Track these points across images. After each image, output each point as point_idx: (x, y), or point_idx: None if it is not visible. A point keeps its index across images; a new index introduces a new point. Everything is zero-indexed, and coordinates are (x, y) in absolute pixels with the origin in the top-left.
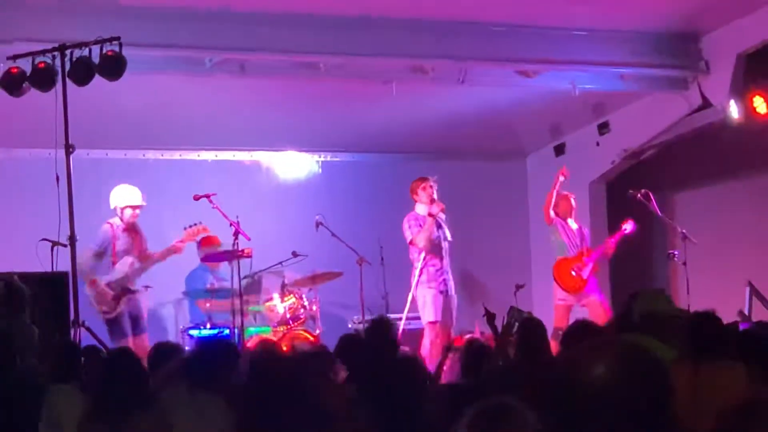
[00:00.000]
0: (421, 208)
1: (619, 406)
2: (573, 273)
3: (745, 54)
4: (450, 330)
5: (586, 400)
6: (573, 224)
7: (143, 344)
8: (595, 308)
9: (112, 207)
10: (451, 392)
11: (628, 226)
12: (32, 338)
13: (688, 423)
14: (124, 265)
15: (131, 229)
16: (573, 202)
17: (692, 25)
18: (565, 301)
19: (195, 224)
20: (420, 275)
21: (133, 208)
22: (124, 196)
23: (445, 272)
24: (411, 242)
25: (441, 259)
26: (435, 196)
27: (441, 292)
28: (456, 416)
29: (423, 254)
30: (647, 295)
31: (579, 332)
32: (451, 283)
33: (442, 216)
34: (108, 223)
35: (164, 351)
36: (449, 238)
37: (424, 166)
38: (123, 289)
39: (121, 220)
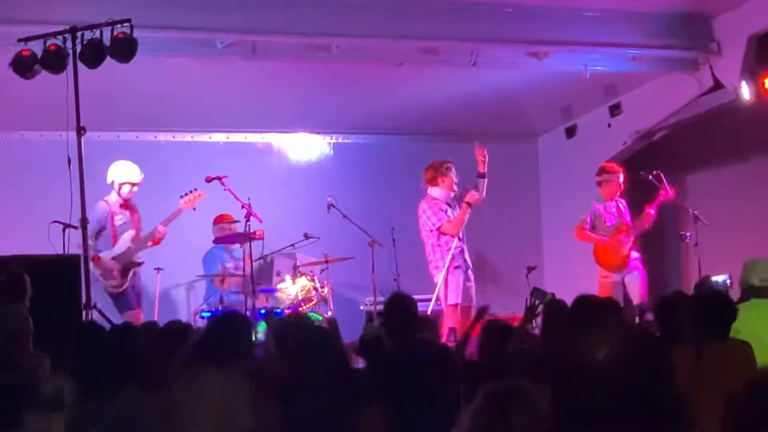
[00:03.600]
0: (438, 192)
1: (622, 386)
2: (614, 252)
3: (756, 35)
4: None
5: (589, 381)
6: (611, 207)
7: (139, 319)
8: (633, 286)
9: (109, 182)
10: (470, 371)
11: (668, 194)
12: (26, 328)
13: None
14: (126, 239)
15: (128, 205)
16: (621, 178)
17: (704, 6)
18: (608, 277)
19: (191, 191)
20: (452, 258)
21: (132, 184)
22: (124, 171)
23: (466, 252)
24: (439, 229)
25: (462, 239)
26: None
27: (465, 271)
28: (472, 395)
29: (454, 239)
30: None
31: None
32: (470, 266)
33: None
34: (103, 200)
35: (176, 330)
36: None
37: (435, 147)
38: (129, 263)
39: (119, 195)
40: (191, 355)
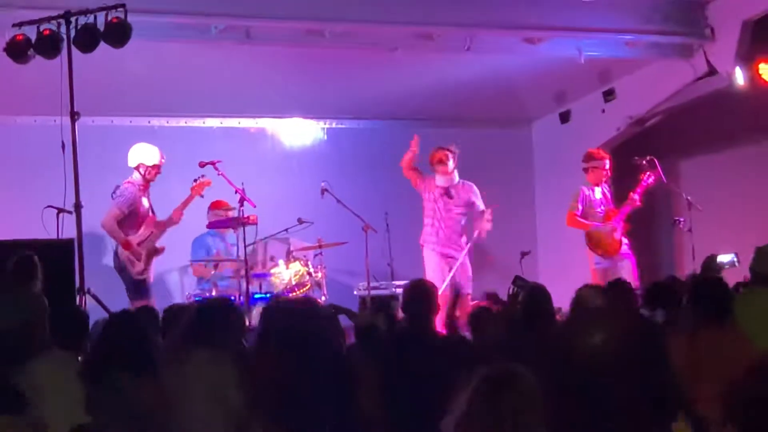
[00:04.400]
0: (441, 180)
1: (617, 371)
2: (606, 238)
3: (750, 21)
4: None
5: (585, 365)
6: (597, 193)
7: None
8: (625, 273)
9: (134, 164)
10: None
11: (650, 178)
12: (42, 309)
13: (689, 387)
14: (150, 224)
15: (147, 189)
16: (607, 164)
17: None
18: (601, 264)
19: (199, 177)
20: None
21: (158, 167)
22: (152, 155)
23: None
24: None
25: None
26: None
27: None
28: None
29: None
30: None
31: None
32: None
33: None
34: (130, 182)
35: (176, 312)
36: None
37: (429, 132)
38: (152, 249)
39: (144, 178)
40: (181, 338)
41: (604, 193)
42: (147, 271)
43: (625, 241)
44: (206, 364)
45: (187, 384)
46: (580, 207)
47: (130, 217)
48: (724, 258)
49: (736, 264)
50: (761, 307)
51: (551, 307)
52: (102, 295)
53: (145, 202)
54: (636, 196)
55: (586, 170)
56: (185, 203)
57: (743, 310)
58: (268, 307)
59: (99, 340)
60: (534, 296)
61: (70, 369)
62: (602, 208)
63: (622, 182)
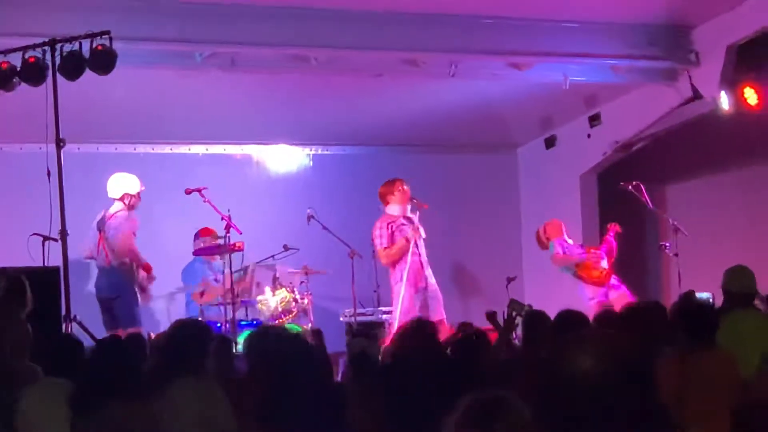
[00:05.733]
0: (395, 209)
1: (605, 397)
2: (594, 270)
3: (735, 45)
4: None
5: (573, 392)
6: (569, 239)
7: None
8: (620, 301)
9: (118, 195)
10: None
11: (613, 230)
12: (25, 336)
13: (677, 411)
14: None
15: None
16: (563, 227)
17: (683, 17)
18: (595, 298)
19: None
20: (409, 275)
21: (139, 195)
22: (135, 183)
23: (423, 269)
24: (379, 254)
25: (418, 257)
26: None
27: (418, 290)
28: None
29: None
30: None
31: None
32: (431, 280)
33: (415, 217)
34: (127, 210)
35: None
36: (423, 236)
37: (415, 158)
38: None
39: (131, 207)
40: (157, 364)
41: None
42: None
43: (614, 280)
44: (190, 388)
45: (175, 410)
46: (560, 250)
47: None
48: (702, 295)
49: (711, 304)
50: (742, 329)
51: (549, 331)
52: (88, 322)
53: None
54: (610, 239)
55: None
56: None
57: (725, 334)
58: (253, 334)
59: (87, 367)
60: (532, 320)
61: (59, 396)
62: (581, 250)
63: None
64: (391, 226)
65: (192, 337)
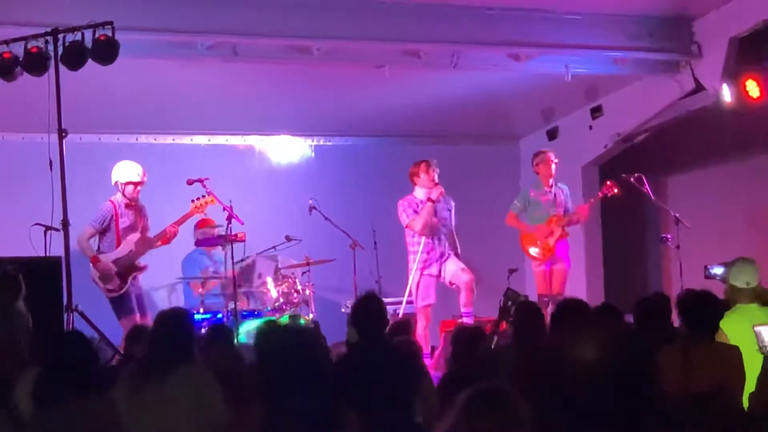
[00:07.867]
0: (420, 192)
1: (605, 388)
2: (538, 243)
3: (737, 37)
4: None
5: (574, 382)
6: (549, 193)
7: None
8: (558, 276)
9: (113, 183)
10: (445, 383)
11: (608, 190)
12: (27, 325)
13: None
14: (130, 242)
15: (134, 206)
16: (553, 166)
17: (685, 8)
18: (539, 266)
19: (202, 196)
20: (423, 260)
21: (135, 184)
22: (126, 172)
23: (442, 256)
24: (407, 226)
25: (438, 242)
26: (436, 179)
27: (432, 276)
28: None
29: (421, 238)
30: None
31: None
32: (452, 266)
33: (452, 203)
34: (110, 200)
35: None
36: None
37: (417, 149)
38: (130, 266)
39: (124, 196)
40: (147, 356)
41: (557, 195)
42: (122, 289)
43: (563, 245)
44: (184, 376)
45: (168, 399)
46: (519, 205)
47: (107, 235)
48: (717, 271)
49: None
50: (745, 324)
51: (542, 322)
52: (89, 312)
53: (124, 220)
54: (587, 205)
55: (537, 172)
56: (183, 219)
57: (729, 327)
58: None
59: (49, 360)
60: (523, 311)
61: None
62: (553, 210)
63: (610, 199)
64: (413, 205)
65: (174, 326)
